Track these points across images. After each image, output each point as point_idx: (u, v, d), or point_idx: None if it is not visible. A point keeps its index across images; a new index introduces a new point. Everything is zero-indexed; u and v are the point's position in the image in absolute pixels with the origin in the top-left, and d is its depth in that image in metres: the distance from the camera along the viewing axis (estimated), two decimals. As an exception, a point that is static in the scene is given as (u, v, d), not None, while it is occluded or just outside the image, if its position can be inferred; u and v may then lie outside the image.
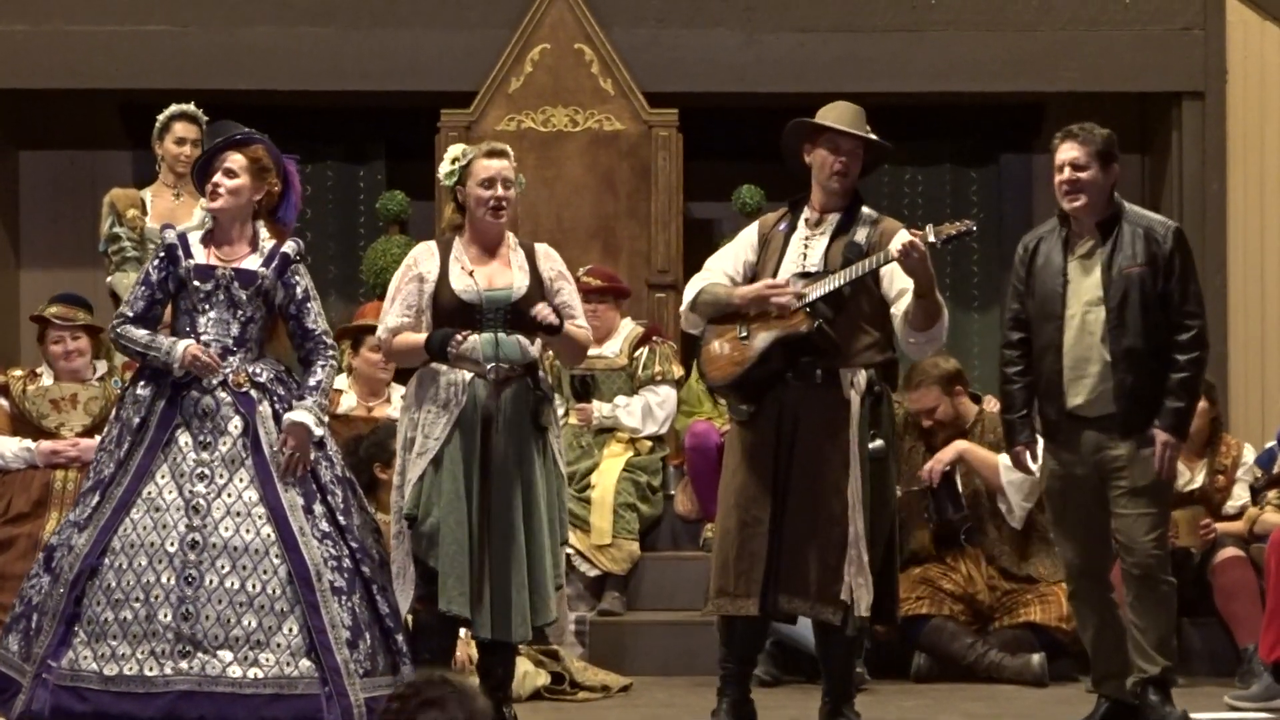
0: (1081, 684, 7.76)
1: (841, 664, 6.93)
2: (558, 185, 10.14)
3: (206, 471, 6.49)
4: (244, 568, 6.39)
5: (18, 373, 8.50)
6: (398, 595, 6.67)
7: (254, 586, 6.38)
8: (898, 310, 6.81)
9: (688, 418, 9.25)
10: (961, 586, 8.40)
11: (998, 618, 8.43)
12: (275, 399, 6.61)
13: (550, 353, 7.43)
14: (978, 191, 11.14)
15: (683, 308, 7.13)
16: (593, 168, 10.17)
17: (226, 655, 6.32)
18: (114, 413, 6.78)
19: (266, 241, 6.72)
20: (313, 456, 6.59)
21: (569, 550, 8.31)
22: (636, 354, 9.24)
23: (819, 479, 6.78)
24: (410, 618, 6.75)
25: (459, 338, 6.66)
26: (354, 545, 6.57)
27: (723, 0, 10.29)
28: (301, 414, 6.54)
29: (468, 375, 6.70)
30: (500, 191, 6.80)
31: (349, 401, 8.86)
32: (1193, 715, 6.94)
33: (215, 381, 6.57)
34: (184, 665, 6.31)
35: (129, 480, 6.50)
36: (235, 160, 6.67)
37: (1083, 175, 6.88)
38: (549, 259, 6.92)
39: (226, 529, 6.42)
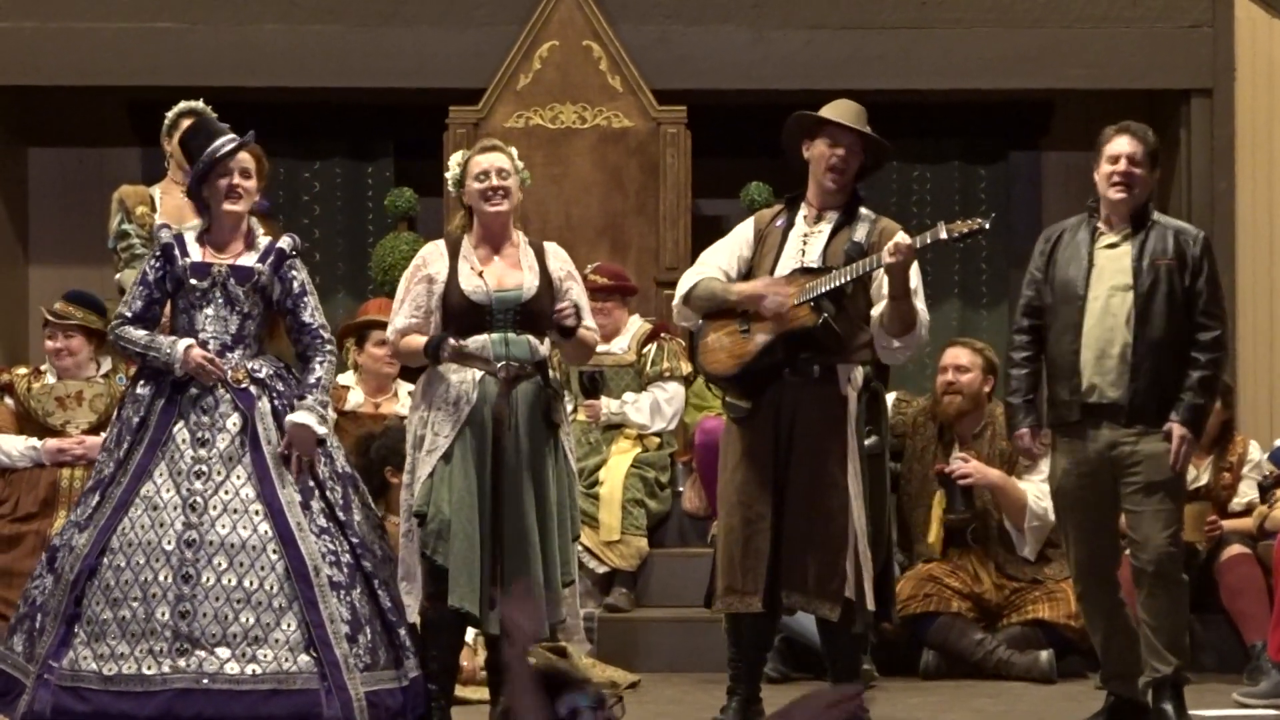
0: (1090, 681, 7.74)
1: (847, 660, 6.93)
2: (566, 182, 10.14)
3: (204, 469, 6.48)
4: (241, 564, 6.38)
5: (22, 370, 8.50)
6: (407, 595, 6.66)
7: (251, 583, 6.36)
8: (875, 313, 6.84)
9: (699, 411, 9.24)
10: (969, 584, 8.39)
11: (1006, 615, 8.41)
12: (275, 395, 6.60)
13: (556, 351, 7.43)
14: (986, 189, 11.13)
15: (675, 301, 7.12)
16: (601, 165, 10.16)
17: (224, 652, 6.31)
18: (116, 412, 6.78)
19: (263, 238, 6.72)
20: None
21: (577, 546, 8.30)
22: (645, 351, 9.24)
23: (818, 474, 6.78)
24: (419, 616, 6.75)
25: (452, 343, 6.67)
26: (354, 540, 6.55)
27: (731, -3, 10.31)
28: (303, 415, 6.53)
29: (478, 374, 6.70)
30: (495, 181, 6.80)
31: (356, 398, 8.86)
32: (1201, 712, 6.93)
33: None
34: (181, 663, 6.29)
35: (128, 480, 6.49)
36: (247, 160, 6.68)
37: (1136, 170, 6.92)
38: (558, 258, 6.92)
39: (223, 526, 6.41)
